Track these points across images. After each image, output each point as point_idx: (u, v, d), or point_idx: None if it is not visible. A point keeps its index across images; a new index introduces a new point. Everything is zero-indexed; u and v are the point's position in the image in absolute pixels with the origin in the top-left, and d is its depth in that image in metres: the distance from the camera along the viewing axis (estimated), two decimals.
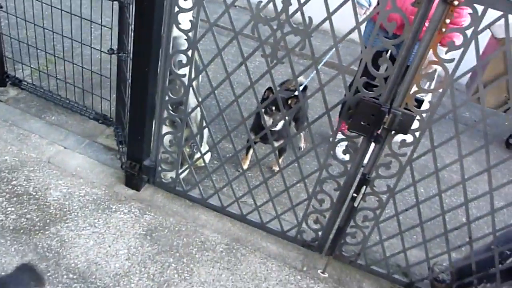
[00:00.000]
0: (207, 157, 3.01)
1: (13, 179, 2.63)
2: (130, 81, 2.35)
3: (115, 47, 2.79)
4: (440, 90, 1.85)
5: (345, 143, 2.18)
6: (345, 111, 2.01)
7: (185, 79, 2.24)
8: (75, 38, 2.91)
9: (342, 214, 2.36)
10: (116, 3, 2.57)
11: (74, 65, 3.04)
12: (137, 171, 2.62)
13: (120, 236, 2.46)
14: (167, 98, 2.32)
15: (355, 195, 2.20)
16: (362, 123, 1.95)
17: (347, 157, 2.15)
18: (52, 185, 2.66)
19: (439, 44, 1.74)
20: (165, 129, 2.48)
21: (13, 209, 2.45)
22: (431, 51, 1.75)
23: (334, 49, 1.90)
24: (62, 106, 3.20)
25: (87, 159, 2.91)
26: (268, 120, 2.83)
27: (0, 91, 3.27)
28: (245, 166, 3.19)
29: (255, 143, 3.17)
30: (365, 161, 2.15)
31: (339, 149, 3.28)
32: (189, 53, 2.14)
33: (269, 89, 2.87)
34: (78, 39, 2.85)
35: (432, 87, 2.11)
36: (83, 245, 2.36)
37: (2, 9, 2.92)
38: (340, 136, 2.14)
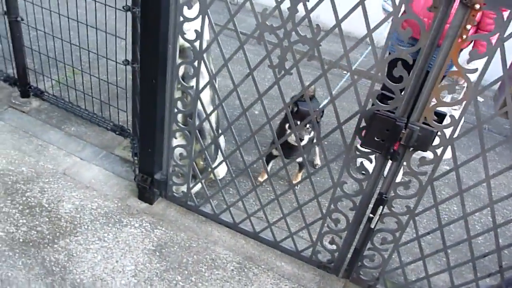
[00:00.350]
0: (224, 170, 2.92)
1: (28, 190, 2.63)
2: (138, 92, 2.29)
3: (130, 58, 2.76)
4: (464, 104, 1.67)
5: (361, 159, 2.02)
6: (357, 126, 1.86)
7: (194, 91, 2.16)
8: (93, 50, 2.91)
9: (358, 235, 2.19)
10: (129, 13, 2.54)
11: (93, 77, 3.04)
12: (148, 184, 2.56)
13: (128, 251, 2.40)
14: (175, 110, 2.24)
15: (371, 215, 2.04)
16: (376, 138, 1.80)
17: (370, 167, 1.97)
18: (66, 197, 2.64)
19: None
20: (175, 142, 2.41)
21: (24, 221, 2.44)
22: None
23: (362, 56, 1.76)
24: (82, 117, 3.20)
25: (102, 171, 2.88)
26: (293, 136, 2.71)
27: (23, 102, 3.31)
28: (262, 179, 3.08)
29: (275, 157, 3.05)
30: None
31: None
32: (196, 63, 2.05)
33: (295, 103, 2.75)
34: (96, 51, 2.85)
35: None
36: (90, 259, 2.31)
37: (23, 21, 2.96)
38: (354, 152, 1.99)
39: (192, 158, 2.39)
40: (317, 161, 3.43)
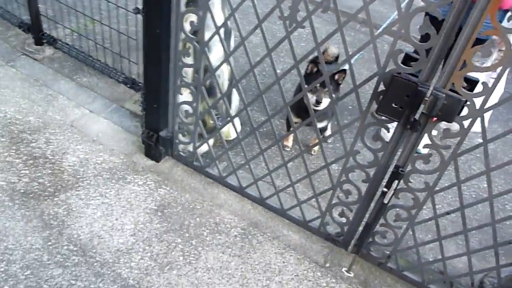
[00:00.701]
0: (237, 129, 2.77)
1: (33, 140, 2.57)
2: (143, 43, 2.13)
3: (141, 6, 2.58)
4: (499, 69, 1.42)
5: (377, 128, 1.82)
6: (375, 90, 1.65)
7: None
8: None
9: (370, 209, 2.02)
10: None
11: (108, 27, 2.88)
12: (154, 141, 2.45)
13: (129, 209, 2.32)
14: (180, 64, 2.08)
15: (385, 190, 1.85)
16: (394, 105, 1.58)
17: (387, 136, 1.76)
18: (71, 149, 2.56)
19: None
20: (181, 98, 2.25)
21: (27, 171, 2.39)
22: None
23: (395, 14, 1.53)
24: (94, 68, 3.08)
25: (111, 125, 2.78)
26: (311, 98, 2.51)
27: (37, 49, 3.22)
28: (289, 144, 2.93)
29: (296, 123, 2.87)
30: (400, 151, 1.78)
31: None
32: (201, 13, 1.86)
33: (313, 62, 2.53)
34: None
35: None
36: (89, 215, 2.25)
37: None
38: (370, 119, 1.77)
39: (198, 116, 2.24)
40: (328, 131, 3.06)
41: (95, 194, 2.35)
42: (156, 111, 2.33)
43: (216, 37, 1.93)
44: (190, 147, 2.45)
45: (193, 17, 1.91)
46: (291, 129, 2.89)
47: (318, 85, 2.46)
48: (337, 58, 2.82)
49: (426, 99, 1.53)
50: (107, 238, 2.16)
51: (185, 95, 2.23)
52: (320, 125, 2.74)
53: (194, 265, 2.13)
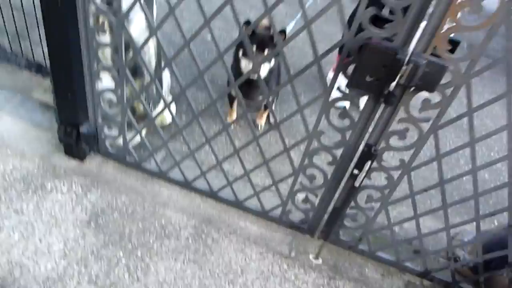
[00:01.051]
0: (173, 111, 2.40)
1: None
2: (43, 21, 1.67)
3: None
4: (489, 27, 1.19)
5: (343, 103, 1.56)
6: (341, 60, 1.37)
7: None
8: None
9: (338, 192, 1.79)
10: None
11: None
12: (74, 139, 2.02)
13: (55, 225, 1.92)
14: (94, 43, 1.66)
15: (356, 171, 1.62)
16: (367, 78, 1.32)
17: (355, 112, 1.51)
18: None
19: None
20: (101, 85, 1.84)
21: None
22: None
23: None
24: None
25: (17, 122, 2.30)
26: (247, 65, 2.19)
27: None
28: (234, 117, 2.61)
29: (234, 98, 2.55)
30: (370, 128, 1.54)
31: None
32: None
33: (247, 23, 2.19)
34: None
35: None
36: (4, 240, 1.83)
37: None
38: (335, 93, 1.49)
39: (125, 105, 1.85)
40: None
41: (9, 212, 1.92)
42: (71, 102, 1.90)
43: (136, 5, 1.53)
44: (120, 141, 2.06)
45: None
46: (234, 102, 2.60)
47: (255, 49, 2.15)
48: (269, 28, 2.49)
49: (404, 67, 1.28)
50: (31, 266, 1.77)
51: (105, 81, 1.82)
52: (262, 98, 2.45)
53: (143, 281, 1.81)
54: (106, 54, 1.75)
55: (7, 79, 2.49)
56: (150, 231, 1.99)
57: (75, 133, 2.01)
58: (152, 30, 1.57)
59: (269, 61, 2.21)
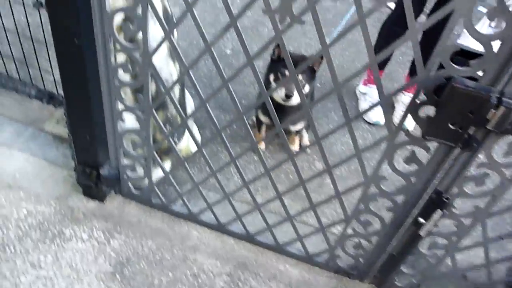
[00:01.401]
0: (197, 138, 2.20)
1: None
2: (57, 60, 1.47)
3: None
4: None
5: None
6: (412, 101, 1.15)
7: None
8: None
9: (396, 238, 1.58)
10: None
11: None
12: (94, 181, 1.82)
13: (77, 279, 1.72)
14: (116, 83, 1.45)
15: (422, 220, 1.40)
16: (450, 125, 1.10)
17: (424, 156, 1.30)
18: None
19: None
20: (123, 125, 1.64)
21: None
22: None
23: None
24: None
25: (30, 159, 2.10)
26: (279, 91, 1.98)
27: None
28: (263, 146, 2.41)
29: (267, 126, 2.35)
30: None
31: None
32: (139, 11, 1.24)
33: (279, 46, 1.98)
34: None
35: None
36: None
37: None
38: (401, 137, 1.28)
39: (151, 147, 1.64)
40: (305, 140, 2.48)
41: (24, 267, 1.73)
42: (90, 144, 1.70)
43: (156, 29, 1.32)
44: (144, 181, 1.85)
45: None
46: (262, 127, 2.39)
47: (287, 72, 1.94)
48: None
49: (493, 110, 1.06)
50: None
51: (128, 121, 1.62)
52: (293, 128, 2.23)
53: None
54: (128, 94, 1.54)
55: (17, 110, 2.30)
56: (182, 281, 1.79)
57: (94, 174, 1.81)
58: (184, 68, 1.36)
59: (304, 87, 2.00)
